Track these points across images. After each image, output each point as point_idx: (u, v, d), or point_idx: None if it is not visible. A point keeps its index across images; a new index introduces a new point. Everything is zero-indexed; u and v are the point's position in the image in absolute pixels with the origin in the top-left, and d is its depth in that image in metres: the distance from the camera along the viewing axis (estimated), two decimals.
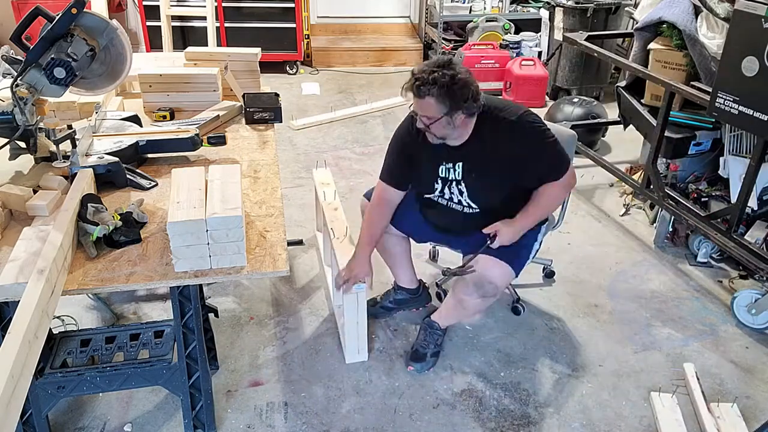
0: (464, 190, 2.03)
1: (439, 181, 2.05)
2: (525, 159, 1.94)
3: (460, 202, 2.07)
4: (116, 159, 1.85)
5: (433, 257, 2.92)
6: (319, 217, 2.70)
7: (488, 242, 2.00)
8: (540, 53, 5.37)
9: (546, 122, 2.02)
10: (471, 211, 2.07)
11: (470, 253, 2.06)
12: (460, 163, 1.99)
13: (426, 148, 1.99)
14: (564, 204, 2.46)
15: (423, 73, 1.79)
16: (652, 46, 3.05)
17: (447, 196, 2.08)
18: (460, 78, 1.79)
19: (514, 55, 5.30)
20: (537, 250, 2.18)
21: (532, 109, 2.01)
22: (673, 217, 2.93)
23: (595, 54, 3.40)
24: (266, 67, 4.64)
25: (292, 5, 5.44)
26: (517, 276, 2.07)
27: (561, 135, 2.25)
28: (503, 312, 2.56)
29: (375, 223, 2.17)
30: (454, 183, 2.03)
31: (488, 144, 1.93)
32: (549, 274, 2.80)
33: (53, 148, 1.88)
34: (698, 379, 2.16)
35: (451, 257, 2.82)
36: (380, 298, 2.53)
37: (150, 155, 2.03)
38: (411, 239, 2.35)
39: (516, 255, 2.05)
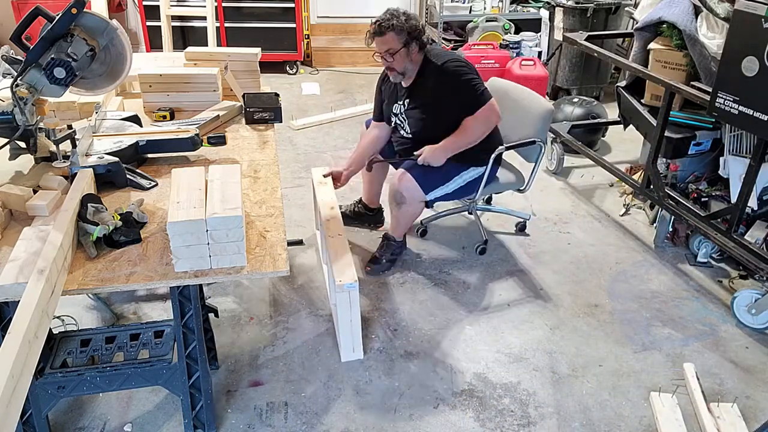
0: (404, 120, 2.61)
1: (392, 116, 2.67)
2: (443, 97, 2.45)
3: (406, 131, 2.65)
4: (116, 159, 1.85)
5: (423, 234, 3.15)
6: (317, 215, 2.75)
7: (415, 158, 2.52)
8: (540, 53, 5.36)
9: (471, 66, 2.47)
10: (410, 137, 2.63)
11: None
12: (407, 100, 2.57)
13: (391, 90, 2.63)
14: (534, 169, 2.81)
15: (381, 18, 2.37)
16: (652, 46, 3.05)
17: (400, 129, 2.67)
18: (409, 14, 2.39)
19: (514, 55, 5.29)
20: (459, 187, 2.63)
21: (463, 57, 2.53)
22: (673, 217, 2.93)
23: (595, 54, 3.40)
24: (266, 67, 4.64)
25: (292, 5, 5.45)
26: (427, 196, 2.56)
27: (534, 109, 2.72)
28: (502, 312, 2.56)
29: (365, 150, 2.76)
30: (401, 116, 2.62)
31: (423, 84, 2.49)
32: (521, 228, 3.15)
33: (53, 148, 1.88)
34: (698, 379, 2.16)
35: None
36: (344, 207, 3.04)
37: (150, 155, 2.03)
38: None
39: (427, 177, 2.53)
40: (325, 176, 2.76)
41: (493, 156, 2.60)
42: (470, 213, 3.20)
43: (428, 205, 2.68)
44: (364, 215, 3.11)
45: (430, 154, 2.48)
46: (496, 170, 2.75)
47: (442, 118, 2.50)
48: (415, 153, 2.52)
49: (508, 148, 2.68)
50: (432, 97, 2.48)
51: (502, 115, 2.56)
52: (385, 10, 2.40)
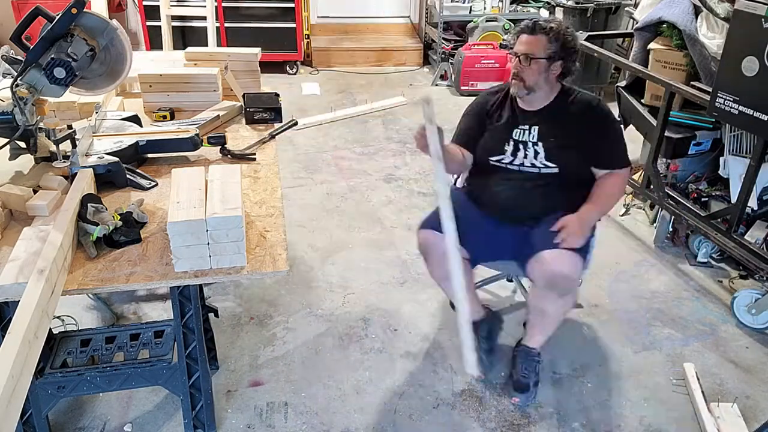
0: (540, 151, 2.05)
1: (511, 143, 2.08)
2: (597, 139, 2.03)
3: (533, 165, 2.06)
4: (116, 159, 1.85)
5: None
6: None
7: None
8: None
9: None
10: (548, 171, 2.05)
11: (534, 258, 1.95)
12: (536, 127, 2.06)
13: (501, 116, 2.11)
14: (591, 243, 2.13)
15: (541, 19, 2.03)
16: (652, 46, 3.05)
17: (519, 160, 2.07)
18: (572, 32, 2.00)
19: None
20: (593, 248, 2.10)
21: None
22: (673, 217, 2.94)
23: (595, 54, 3.40)
24: (266, 67, 4.64)
25: (292, 5, 5.45)
26: (586, 268, 2.01)
27: None
28: (502, 312, 2.56)
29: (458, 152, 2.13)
30: (529, 144, 2.06)
31: (565, 116, 2.04)
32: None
33: (53, 148, 1.87)
34: (698, 379, 2.16)
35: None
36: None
37: (150, 155, 2.03)
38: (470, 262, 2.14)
39: (581, 249, 1.95)
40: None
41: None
42: (510, 280, 2.70)
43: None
44: (493, 330, 2.32)
45: (578, 227, 1.94)
46: None
47: (588, 160, 2.06)
48: (554, 228, 1.95)
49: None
50: (576, 133, 2.02)
51: None
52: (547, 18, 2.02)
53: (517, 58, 1.99)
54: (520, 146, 2.07)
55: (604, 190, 2.05)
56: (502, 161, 2.10)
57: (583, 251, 1.98)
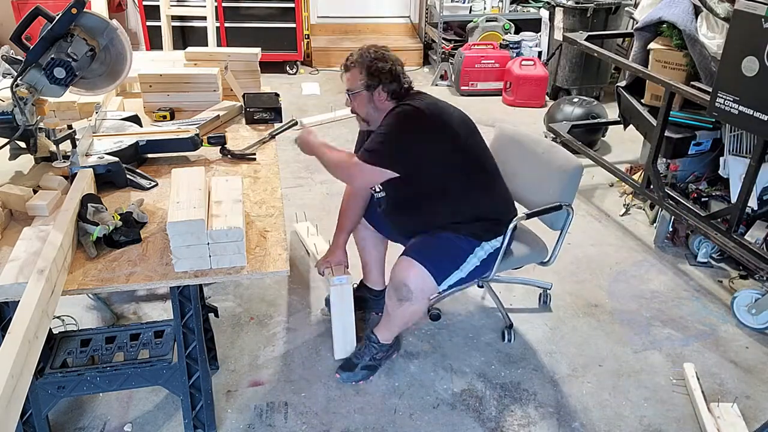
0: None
1: None
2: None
3: (378, 191, 2.12)
4: (116, 159, 1.85)
5: (436, 318, 2.52)
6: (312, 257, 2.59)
7: None
8: (540, 53, 5.37)
9: (420, 131, 1.94)
10: (380, 196, 2.12)
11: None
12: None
13: (362, 137, 2.13)
14: (559, 239, 2.27)
15: (354, 51, 2.02)
16: (652, 46, 3.05)
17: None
18: (382, 54, 1.98)
19: (514, 55, 5.30)
20: (474, 267, 2.04)
21: (418, 118, 1.93)
22: (673, 217, 2.93)
23: (595, 54, 3.40)
24: (266, 67, 4.64)
25: (292, 5, 5.45)
26: (440, 286, 1.98)
27: (563, 165, 2.15)
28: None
29: (347, 212, 2.28)
30: None
31: None
32: (545, 300, 2.60)
33: (53, 148, 1.88)
34: (698, 379, 2.16)
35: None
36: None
37: (150, 155, 2.03)
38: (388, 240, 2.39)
39: (438, 263, 1.97)
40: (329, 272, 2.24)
41: (510, 227, 2.05)
42: (480, 286, 2.65)
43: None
44: (367, 300, 2.50)
45: (304, 138, 2.06)
46: (510, 242, 2.12)
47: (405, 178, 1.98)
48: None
49: (528, 216, 2.12)
50: None
51: (516, 173, 2.22)
52: (368, 45, 2.04)
53: (348, 96, 2.04)
54: None
55: (337, 156, 2.00)
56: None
57: (441, 263, 1.98)
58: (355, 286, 2.45)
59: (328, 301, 2.53)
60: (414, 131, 1.93)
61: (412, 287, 1.94)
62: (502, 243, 2.07)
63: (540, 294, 2.63)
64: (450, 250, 2.01)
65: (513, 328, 2.41)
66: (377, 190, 2.10)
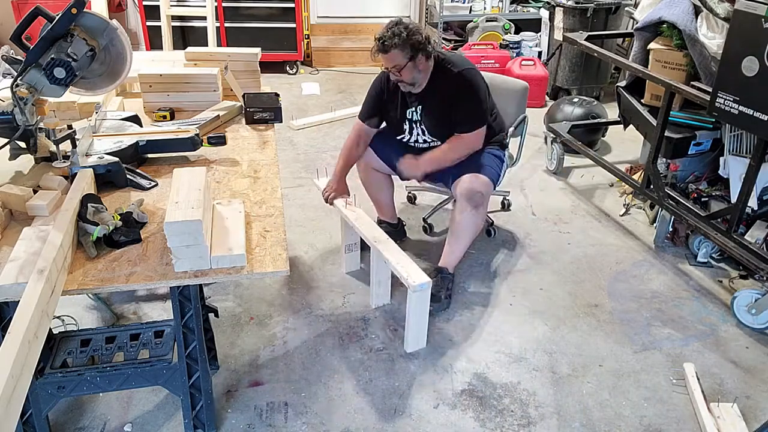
0: (424, 128, 2.55)
1: (407, 122, 2.57)
2: (453, 105, 2.41)
3: (424, 141, 2.59)
4: (116, 159, 1.85)
5: (413, 201, 3.45)
6: (356, 231, 2.55)
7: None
8: (540, 53, 5.37)
9: (484, 81, 2.48)
10: (435, 144, 2.56)
11: (441, 182, 2.68)
12: (420, 106, 2.50)
13: (396, 96, 2.52)
14: (521, 142, 2.94)
15: (383, 34, 2.30)
16: (652, 46, 3.05)
17: (414, 137, 2.60)
18: (411, 28, 2.31)
19: (514, 55, 5.30)
20: (505, 169, 2.68)
21: (480, 72, 2.48)
22: (673, 217, 2.93)
23: (595, 54, 3.40)
24: (266, 67, 4.64)
25: (292, 5, 5.45)
26: (495, 186, 2.56)
27: (511, 87, 2.90)
28: (502, 312, 2.56)
29: (351, 150, 2.66)
30: (416, 123, 2.55)
31: (437, 89, 2.43)
32: (507, 206, 3.36)
33: (53, 148, 1.87)
34: (698, 379, 2.16)
35: (429, 200, 3.46)
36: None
37: (150, 155, 2.03)
38: (394, 177, 2.78)
39: (491, 169, 2.53)
40: (330, 202, 2.65)
41: (509, 136, 2.73)
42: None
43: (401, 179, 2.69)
44: (389, 234, 2.64)
45: (409, 168, 2.51)
46: None
47: (452, 124, 2.48)
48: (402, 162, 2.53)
49: (515, 129, 2.84)
50: (447, 104, 2.42)
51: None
52: (387, 24, 2.33)
53: (389, 71, 2.39)
54: (414, 125, 2.57)
55: (451, 146, 2.48)
56: (404, 139, 2.64)
57: (495, 176, 2.56)
58: (376, 221, 2.84)
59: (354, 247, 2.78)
60: (484, 87, 2.46)
61: (483, 192, 2.45)
62: (507, 151, 2.75)
63: (502, 200, 3.38)
64: (493, 158, 2.59)
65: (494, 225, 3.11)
66: (428, 138, 2.57)
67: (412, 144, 2.63)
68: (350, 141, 2.68)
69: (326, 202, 2.65)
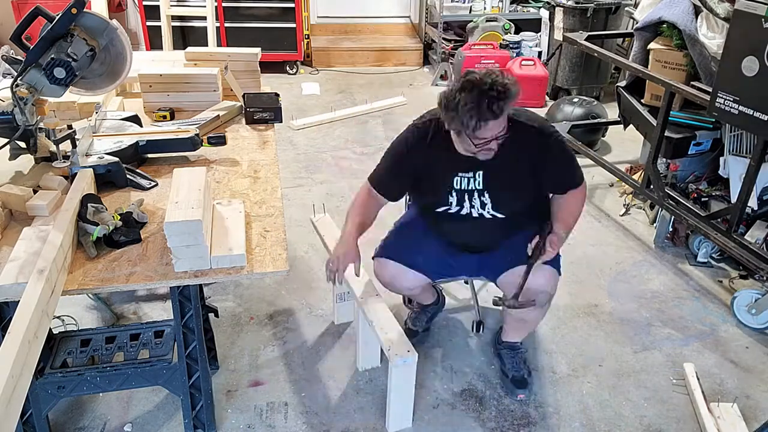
0: (487, 201, 1.93)
1: (455, 194, 1.93)
2: (547, 165, 1.88)
3: (481, 215, 1.95)
4: (116, 159, 1.85)
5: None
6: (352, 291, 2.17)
7: (531, 258, 1.89)
8: (540, 53, 5.37)
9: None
10: (496, 219, 1.96)
11: (504, 274, 2.03)
12: (481, 172, 1.88)
13: (437, 160, 1.89)
14: None
15: (489, 93, 1.61)
16: (652, 46, 3.05)
17: (466, 210, 1.95)
18: (514, 89, 1.67)
19: (514, 55, 5.30)
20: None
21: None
22: (673, 217, 2.93)
23: (595, 54, 3.40)
24: (266, 67, 4.63)
25: (292, 5, 5.44)
26: (560, 275, 2.04)
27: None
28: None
29: (363, 213, 2.00)
30: (475, 193, 1.92)
31: (508, 150, 1.80)
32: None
33: (53, 148, 1.87)
34: (698, 379, 2.16)
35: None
36: (412, 324, 2.39)
37: (150, 155, 2.03)
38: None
39: (557, 259, 2.00)
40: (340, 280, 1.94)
41: None
42: (466, 282, 2.66)
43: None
44: (437, 312, 2.46)
45: (558, 245, 1.91)
46: None
47: (531, 190, 1.95)
48: (530, 247, 1.91)
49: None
50: (532, 167, 1.88)
51: None
52: (467, 81, 1.64)
53: (487, 144, 1.73)
54: (465, 196, 1.92)
55: (568, 210, 1.96)
56: (448, 211, 1.97)
57: (557, 266, 2.02)
58: (421, 314, 2.40)
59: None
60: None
61: (551, 291, 2.00)
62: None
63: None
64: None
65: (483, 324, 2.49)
66: (488, 212, 1.95)
67: (461, 215, 1.97)
68: (361, 202, 2.03)
69: (331, 280, 1.93)
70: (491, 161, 1.82)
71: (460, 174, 1.90)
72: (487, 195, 1.92)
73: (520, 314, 2.03)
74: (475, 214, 1.96)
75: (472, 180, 1.91)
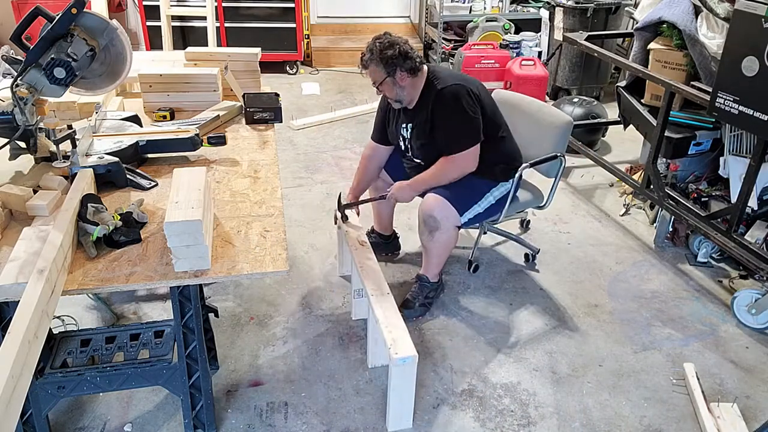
0: (411, 146, 2.43)
1: (401, 139, 2.46)
2: (435, 125, 2.28)
3: (415, 156, 2.46)
4: (116, 159, 1.85)
5: None
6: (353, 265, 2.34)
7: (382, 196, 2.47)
8: (540, 53, 5.36)
9: (477, 95, 2.28)
10: (422, 164, 2.42)
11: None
12: (410, 124, 2.39)
13: (393, 111, 2.44)
14: (554, 184, 2.63)
15: (364, 51, 2.24)
16: (652, 46, 3.05)
17: (409, 153, 2.48)
18: (388, 42, 2.21)
19: (514, 55, 5.29)
20: (490, 205, 2.44)
21: (475, 86, 2.29)
22: (673, 217, 2.94)
23: (595, 54, 3.40)
24: (266, 67, 4.64)
25: (292, 5, 5.45)
26: (462, 217, 2.36)
27: (549, 119, 2.56)
28: (503, 312, 2.56)
29: (362, 169, 2.60)
30: (407, 140, 2.44)
31: (424, 108, 2.29)
32: (529, 258, 2.92)
33: (53, 148, 1.87)
34: (698, 379, 2.16)
35: None
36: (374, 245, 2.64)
37: (150, 155, 2.03)
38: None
39: (459, 196, 2.34)
40: (347, 210, 2.52)
41: (518, 173, 2.43)
42: (485, 233, 2.98)
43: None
44: (379, 245, 2.82)
45: (399, 192, 2.40)
46: (516, 188, 2.51)
47: (437, 144, 2.33)
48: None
49: (531, 165, 2.50)
50: (430, 122, 2.30)
51: (515, 129, 2.49)
52: (373, 36, 2.26)
53: (375, 87, 2.30)
54: (407, 142, 2.45)
55: (431, 171, 2.34)
56: (403, 153, 2.52)
57: (462, 205, 2.36)
58: (368, 232, 2.81)
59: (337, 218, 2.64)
60: (474, 104, 2.26)
61: (438, 217, 2.31)
62: (512, 186, 2.45)
63: (527, 254, 2.93)
64: (469, 187, 2.38)
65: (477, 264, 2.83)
66: (415, 158, 2.45)
67: (407, 160, 2.55)
68: (362, 159, 2.62)
69: (340, 218, 2.50)
70: (415, 115, 2.34)
71: (402, 124, 2.42)
72: (410, 144, 2.43)
73: (420, 238, 2.42)
74: (414, 158, 2.48)
75: (405, 130, 2.42)
